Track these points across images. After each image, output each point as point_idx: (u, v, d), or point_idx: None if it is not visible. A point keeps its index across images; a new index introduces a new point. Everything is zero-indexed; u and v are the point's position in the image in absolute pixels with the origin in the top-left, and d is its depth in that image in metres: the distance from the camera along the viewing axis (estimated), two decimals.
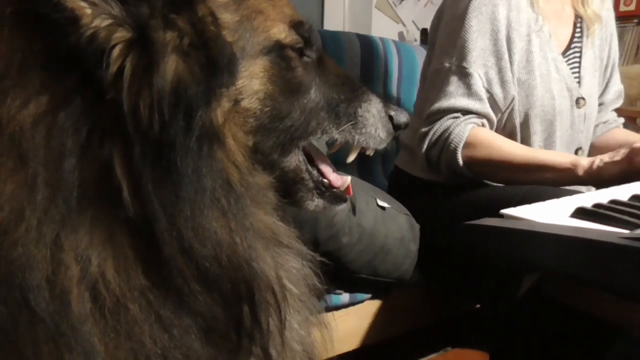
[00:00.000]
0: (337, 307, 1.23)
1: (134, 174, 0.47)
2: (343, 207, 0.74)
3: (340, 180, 0.73)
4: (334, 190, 0.71)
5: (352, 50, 1.81)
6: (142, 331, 0.47)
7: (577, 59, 1.46)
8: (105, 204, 0.47)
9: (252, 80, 0.56)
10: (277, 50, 0.59)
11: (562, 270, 0.76)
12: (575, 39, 1.47)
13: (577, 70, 1.45)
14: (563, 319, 1.04)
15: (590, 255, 0.68)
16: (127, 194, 0.47)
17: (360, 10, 2.99)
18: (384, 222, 1.19)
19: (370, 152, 0.75)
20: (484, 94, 1.31)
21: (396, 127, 0.73)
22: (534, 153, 1.29)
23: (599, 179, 1.18)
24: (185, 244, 0.48)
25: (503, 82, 1.33)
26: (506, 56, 1.33)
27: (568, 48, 1.45)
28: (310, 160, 0.69)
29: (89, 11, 0.45)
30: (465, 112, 1.30)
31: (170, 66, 0.48)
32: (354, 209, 1.14)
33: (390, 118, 0.72)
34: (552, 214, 0.85)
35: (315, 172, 0.69)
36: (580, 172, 1.20)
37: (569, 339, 1.08)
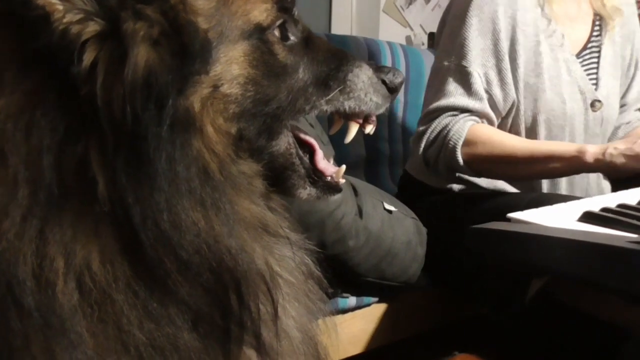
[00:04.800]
0: (344, 311, 1.23)
1: (108, 168, 0.47)
2: (338, 198, 0.71)
3: (332, 169, 0.69)
4: (328, 179, 0.68)
5: (360, 54, 1.82)
6: (130, 322, 0.47)
7: (595, 59, 1.40)
8: (88, 198, 0.47)
9: (231, 66, 0.54)
10: (258, 33, 0.57)
11: (569, 274, 0.76)
12: (593, 38, 1.41)
13: (594, 71, 1.39)
14: (571, 322, 1.04)
15: (598, 259, 0.68)
16: (102, 189, 0.47)
17: (367, 14, 2.99)
18: (391, 226, 1.19)
19: (369, 130, 0.71)
20: (483, 94, 1.29)
21: (392, 89, 0.69)
22: (537, 144, 1.27)
23: (612, 170, 1.14)
24: (163, 236, 0.48)
25: (503, 84, 1.29)
26: (507, 57, 1.29)
27: (584, 48, 1.39)
28: (302, 146, 0.67)
29: (60, 7, 0.45)
30: (464, 110, 1.28)
31: (141, 57, 0.47)
32: (360, 212, 1.14)
33: (384, 82, 0.68)
34: (559, 217, 0.85)
35: (306, 159, 0.67)
36: (589, 159, 1.16)
37: (577, 343, 1.07)
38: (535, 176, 1.25)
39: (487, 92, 1.29)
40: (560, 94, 1.32)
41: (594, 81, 1.38)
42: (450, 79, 1.30)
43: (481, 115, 1.30)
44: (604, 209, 0.85)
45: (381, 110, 0.69)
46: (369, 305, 1.27)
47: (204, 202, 0.51)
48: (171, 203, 0.48)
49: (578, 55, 1.38)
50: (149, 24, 0.48)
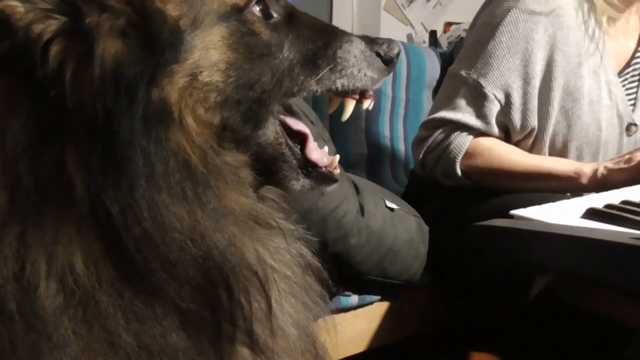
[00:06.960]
0: (346, 309, 1.23)
1: (84, 168, 0.46)
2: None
3: (326, 158, 0.65)
4: (321, 169, 0.64)
5: None
6: (116, 323, 0.47)
7: (637, 77, 1.30)
8: (68, 200, 0.46)
9: (208, 52, 0.52)
10: (235, 14, 0.54)
11: (573, 271, 0.76)
12: (638, 54, 1.31)
13: (634, 90, 1.30)
14: (574, 321, 1.03)
15: (602, 256, 0.68)
16: (80, 189, 0.46)
17: (368, 12, 2.99)
18: (393, 224, 1.19)
19: (367, 105, 0.68)
20: (493, 119, 1.23)
21: (387, 61, 0.66)
22: (537, 161, 1.24)
23: (603, 186, 1.13)
24: (145, 234, 0.47)
25: (525, 109, 1.22)
26: (536, 81, 1.21)
27: (627, 65, 1.30)
28: (294, 136, 0.64)
29: (21, 9, 0.44)
30: (469, 128, 1.25)
31: (108, 50, 0.46)
32: (362, 210, 1.14)
33: (378, 55, 0.65)
34: (562, 214, 0.85)
35: (297, 149, 0.63)
36: (584, 180, 1.17)
37: (580, 342, 1.06)
38: (533, 191, 1.21)
39: (503, 116, 1.23)
40: (598, 120, 1.24)
41: (633, 102, 1.30)
42: (464, 93, 1.23)
43: (486, 134, 1.26)
44: (608, 206, 0.85)
45: (378, 85, 0.66)
46: (371, 303, 1.27)
47: (187, 196, 0.49)
48: (151, 200, 0.47)
49: (620, 74, 1.29)
50: (114, 16, 0.47)
